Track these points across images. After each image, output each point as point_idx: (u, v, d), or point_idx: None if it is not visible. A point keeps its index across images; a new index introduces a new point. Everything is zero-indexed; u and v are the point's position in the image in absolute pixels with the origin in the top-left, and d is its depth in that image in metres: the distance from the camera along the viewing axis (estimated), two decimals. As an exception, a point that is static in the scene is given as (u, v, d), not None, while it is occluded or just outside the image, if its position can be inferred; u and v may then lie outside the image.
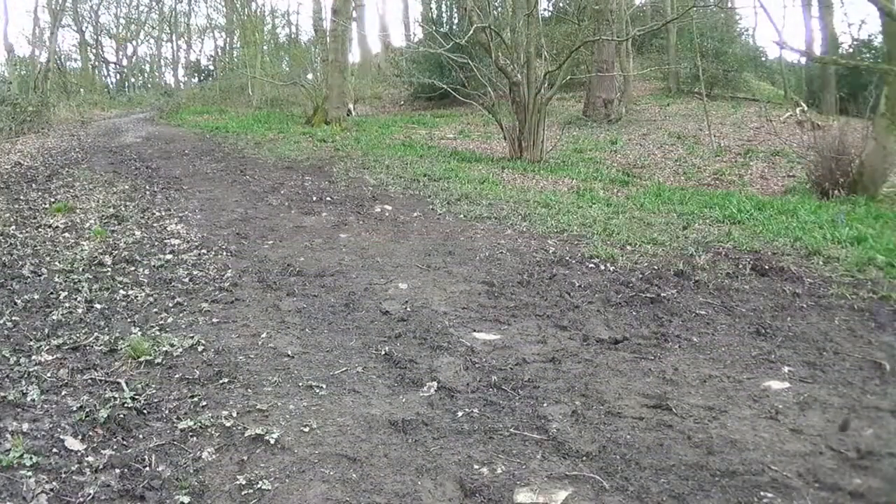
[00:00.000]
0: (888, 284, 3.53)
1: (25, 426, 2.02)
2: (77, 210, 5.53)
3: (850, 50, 15.32)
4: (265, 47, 26.44)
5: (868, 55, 14.50)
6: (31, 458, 1.84)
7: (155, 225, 5.05)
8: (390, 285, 3.64)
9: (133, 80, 35.75)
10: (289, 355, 2.67)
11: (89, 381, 2.38)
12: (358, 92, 20.36)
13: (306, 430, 2.08)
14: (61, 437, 1.98)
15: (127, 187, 6.80)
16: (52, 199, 6.05)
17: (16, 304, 3.17)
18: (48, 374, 2.40)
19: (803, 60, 16.83)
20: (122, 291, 3.42)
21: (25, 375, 2.38)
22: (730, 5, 19.48)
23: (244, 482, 1.79)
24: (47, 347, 2.65)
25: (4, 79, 19.92)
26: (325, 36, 17.20)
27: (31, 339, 2.74)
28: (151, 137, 12.66)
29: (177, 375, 2.45)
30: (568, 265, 4.05)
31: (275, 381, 2.43)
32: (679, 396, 2.32)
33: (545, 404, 2.28)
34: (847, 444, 2.01)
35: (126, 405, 2.19)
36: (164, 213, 5.48)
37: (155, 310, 3.18)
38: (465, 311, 3.25)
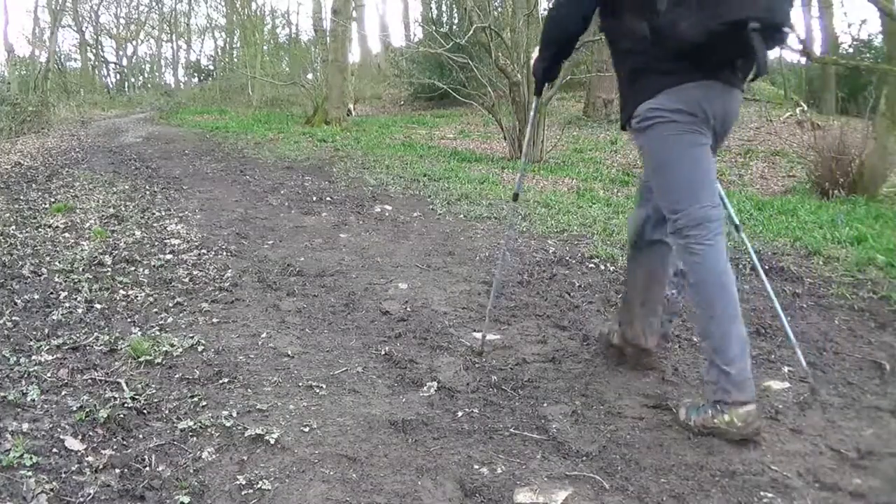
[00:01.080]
0: (888, 284, 3.53)
1: (25, 426, 2.02)
2: (77, 210, 5.53)
3: (850, 50, 15.31)
4: (265, 47, 26.45)
5: (868, 55, 14.50)
6: (31, 458, 1.83)
7: (155, 225, 5.05)
8: (390, 285, 3.64)
9: (133, 80, 35.77)
10: (289, 355, 2.67)
11: (89, 381, 2.38)
12: (358, 92, 20.37)
13: (306, 430, 2.08)
14: (61, 437, 1.98)
15: (127, 187, 6.80)
16: (52, 199, 6.05)
17: (16, 304, 3.17)
18: (48, 374, 2.40)
19: (803, 60, 16.82)
20: (122, 291, 3.42)
21: (25, 375, 2.38)
22: (730, 5, 19.46)
23: (244, 482, 1.79)
24: (47, 347, 2.65)
25: (4, 79, 19.93)
26: (325, 36, 17.23)
27: (31, 339, 2.74)
28: (151, 137, 12.66)
29: (177, 375, 2.45)
30: (568, 265, 4.06)
31: (275, 381, 2.43)
32: (679, 396, 2.32)
33: (545, 404, 2.28)
34: (847, 444, 2.02)
35: (126, 405, 2.18)
36: (164, 213, 5.48)
37: (155, 310, 3.18)
38: (466, 311, 3.25)
